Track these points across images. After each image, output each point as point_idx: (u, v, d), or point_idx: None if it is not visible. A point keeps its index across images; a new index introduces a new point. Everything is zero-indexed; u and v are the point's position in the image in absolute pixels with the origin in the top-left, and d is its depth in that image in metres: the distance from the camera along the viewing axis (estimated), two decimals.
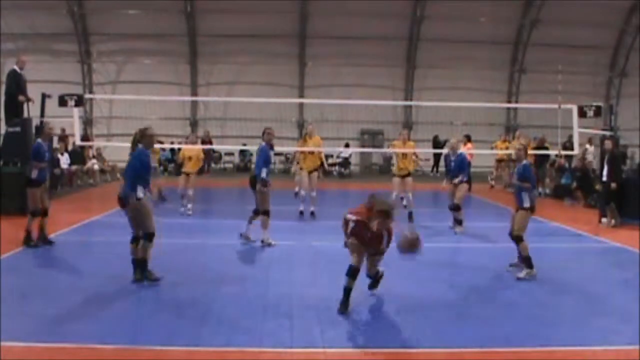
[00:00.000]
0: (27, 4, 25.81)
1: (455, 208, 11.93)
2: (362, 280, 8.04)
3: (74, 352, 5.26)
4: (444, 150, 22.14)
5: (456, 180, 12.00)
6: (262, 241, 10.11)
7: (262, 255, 9.54)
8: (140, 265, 7.64)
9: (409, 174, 13.29)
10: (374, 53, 27.96)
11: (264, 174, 9.99)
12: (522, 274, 8.18)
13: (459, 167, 12.13)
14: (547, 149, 19.34)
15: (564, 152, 16.68)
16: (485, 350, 5.51)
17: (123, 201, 7.75)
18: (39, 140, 10.07)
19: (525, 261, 8.25)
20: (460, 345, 5.58)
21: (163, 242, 10.13)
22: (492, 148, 22.22)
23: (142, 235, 7.65)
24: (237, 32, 27.38)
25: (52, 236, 10.74)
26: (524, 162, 8.71)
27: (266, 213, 10.11)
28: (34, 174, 9.78)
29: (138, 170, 7.63)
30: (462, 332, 5.96)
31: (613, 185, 12.97)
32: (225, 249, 9.92)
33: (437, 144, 25.27)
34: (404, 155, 13.40)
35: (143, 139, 7.77)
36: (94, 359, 5.19)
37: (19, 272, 8.19)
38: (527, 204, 8.38)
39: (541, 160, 19.40)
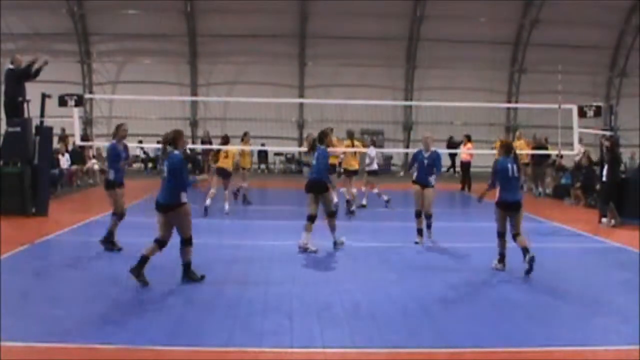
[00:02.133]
0: (27, 4, 25.84)
1: (425, 215, 10.51)
2: (362, 278, 8.05)
3: (74, 352, 5.25)
4: (456, 150, 22.23)
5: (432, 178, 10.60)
6: (335, 243, 10.05)
7: (263, 255, 9.53)
8: (187, 267, 7.70)
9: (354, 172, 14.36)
10: (374, 53, 27.99)
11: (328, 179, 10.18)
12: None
13: (432, 167, 10.51)
14: (546, 148, 19.33)
15: (564, 152, 16.65)
16: (485, 350, 5.51)
17: (165, 207, 7.53)
18: (114, 141, 9.75)
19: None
20: (460, 345, 5.58)
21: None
22: (492, 148, 22.18)
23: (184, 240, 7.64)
24: (237, 32, 27.41)
25: (52, 236, 10.77)
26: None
27: (332, 214, 10.12)
28: (111, 175, 9.54)
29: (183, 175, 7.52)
30: (462, 332, 5.96)
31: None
32: (225, 249, 9.92)
33: (453, 144, 25.13)
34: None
35: (177, 141, 7.63)
36: (94, 359, 5.19)
37: (19, 272, 8.18)
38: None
39: (539, 160, 19.41)
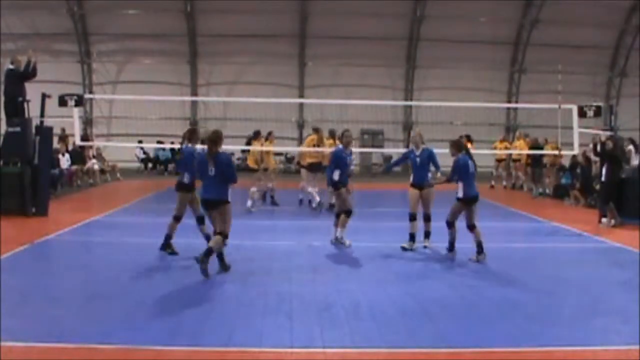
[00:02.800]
0: (27, 4, 25.83)
1: (423, 218, 10.26)
2: (362, 278, 8.06)
3: (74, 352, 5.25)
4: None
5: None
6: (337, 239, 10.23)
7: (262, 255, 9.54)
8: (207, 255, 7.90)
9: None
10: (374, 53, 27.99)
11: (335, 177, 10.29)
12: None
13: (426, 166, 10.20)
14: (542, 148, 19.34)
15: (564, 152, 16.66)
16: (485, 350, 5.51)
17: (213, 203, 8.06)
18: (189, 145, 9.41)
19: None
20: (460, 345, 5.58)
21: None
22: (493, 148, 22.21)
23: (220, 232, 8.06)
24: (237, 32, 27.41)
25: (52, 236, 10.76)
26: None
27: (347, 213, 10.22)
28: (187, 179, 9.26)
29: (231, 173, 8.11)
30: (462, 332, 5.96)
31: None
32: (226, 249, 9.90)
33: None
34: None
35: (219, 140, 8.12)
36: (94, 359, 5.18)
37: (19, 272, 8.19)
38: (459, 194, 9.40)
39: (537, 160, 19.41)
